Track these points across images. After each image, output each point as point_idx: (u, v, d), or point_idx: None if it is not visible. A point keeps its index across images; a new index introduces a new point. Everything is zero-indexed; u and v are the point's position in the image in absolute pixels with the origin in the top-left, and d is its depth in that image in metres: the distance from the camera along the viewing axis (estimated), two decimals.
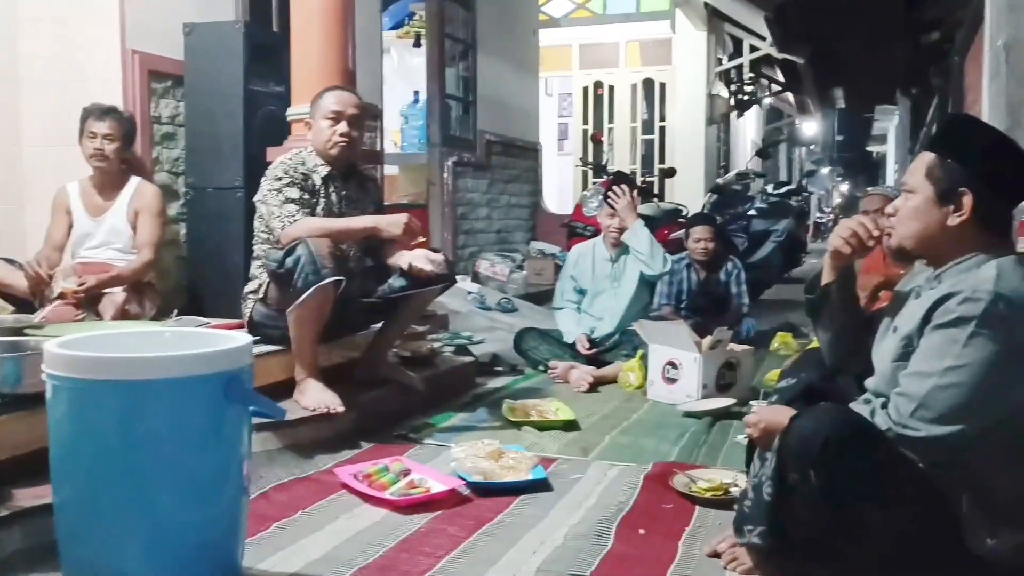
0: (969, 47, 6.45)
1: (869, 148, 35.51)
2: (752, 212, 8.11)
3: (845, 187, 54.40)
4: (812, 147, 27.99)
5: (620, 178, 6.78)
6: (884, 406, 1.76)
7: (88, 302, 3.42)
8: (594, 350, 4.43)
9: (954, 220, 1.77)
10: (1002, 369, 1.64)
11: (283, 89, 4.07)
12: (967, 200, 1.75)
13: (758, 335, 5.29)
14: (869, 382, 1.97)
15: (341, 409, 3.00)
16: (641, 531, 2.27)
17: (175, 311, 3.66)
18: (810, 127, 25.75)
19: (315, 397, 3.02)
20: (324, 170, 3.19)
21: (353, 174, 3.26)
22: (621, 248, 4.58)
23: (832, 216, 30.02)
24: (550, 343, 4.53)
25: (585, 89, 12.03)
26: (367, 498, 2.50)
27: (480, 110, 7.67)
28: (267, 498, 2.50)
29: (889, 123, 26.98)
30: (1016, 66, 3.34)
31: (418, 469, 2.67)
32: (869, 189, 4.67)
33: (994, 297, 1.64)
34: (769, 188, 9.58)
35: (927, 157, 1.82)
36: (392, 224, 3.05)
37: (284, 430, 2.84)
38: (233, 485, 1.85)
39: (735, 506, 2.05)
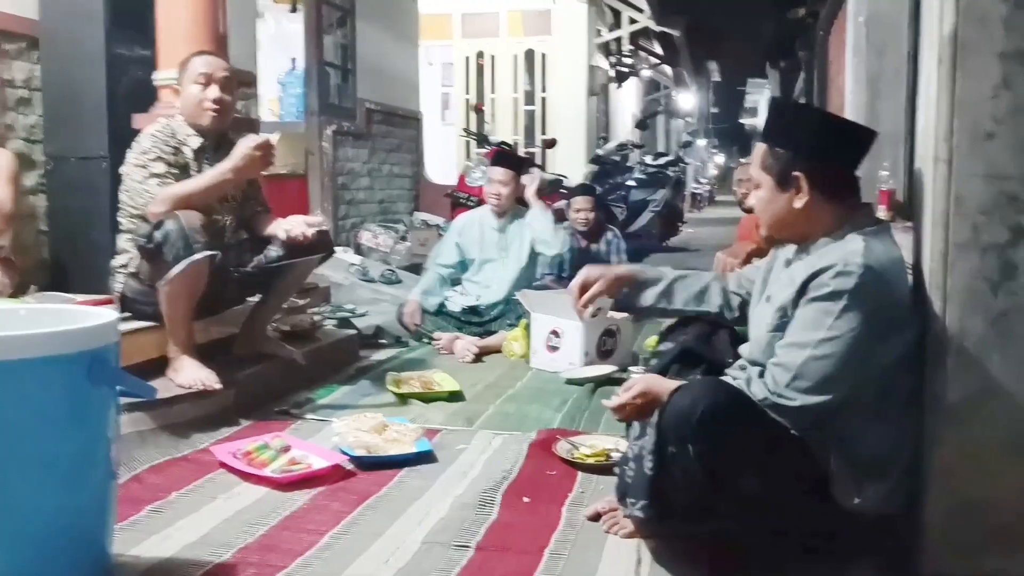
0: (832, 22, 6.70)
1: (742, 120, 36.65)
2: (631, 183, 8.27)
3: (720, 158, 56.12)
4: (688, 119, 28.68)
5: (505, 150, 6.77)
6: (761, 375, 1.81)
7: None
8: (417, 326, 4.40)
9: (799, 202, 1.83)
10: (869, 337, 1.71)
11: (150, 53, 3.85)
12: (802, 181, 1.81)
13: None
14: (744, 349, 2.02)
15: (218, 386, 2.89)
16: (525, 499, 2.28)
17: (32, 287, 3.43)
18: (686, 99, 26.42)
19: (190, 374, 2.89)
20: (196, 141, 3.03)
21: (225, 143, 3.12)
22: (508, 218, 4.58)
23: (709, 187, 30.97)
24: (434, 314, 4.49)
25: (467, 59, 11.93)
26: (246, 476, 2.42)
27: (360, 78, 7.50)
28: (139, 481, 2.39)
29: (760, 96, 27.88)
30: (875, 40, 3.48)
31: (299, 445, 2.60)
32: (742, 160, 4.80)
33: (864, 270, 1.70)
34: (647, 159, 9.78)
35: (760, 148, 1.88)
36: (245, 157, 2.88)
37: (158, 410, 2.71)
38: (99, 470, 1.75)
39: (616, 471, 2.08)
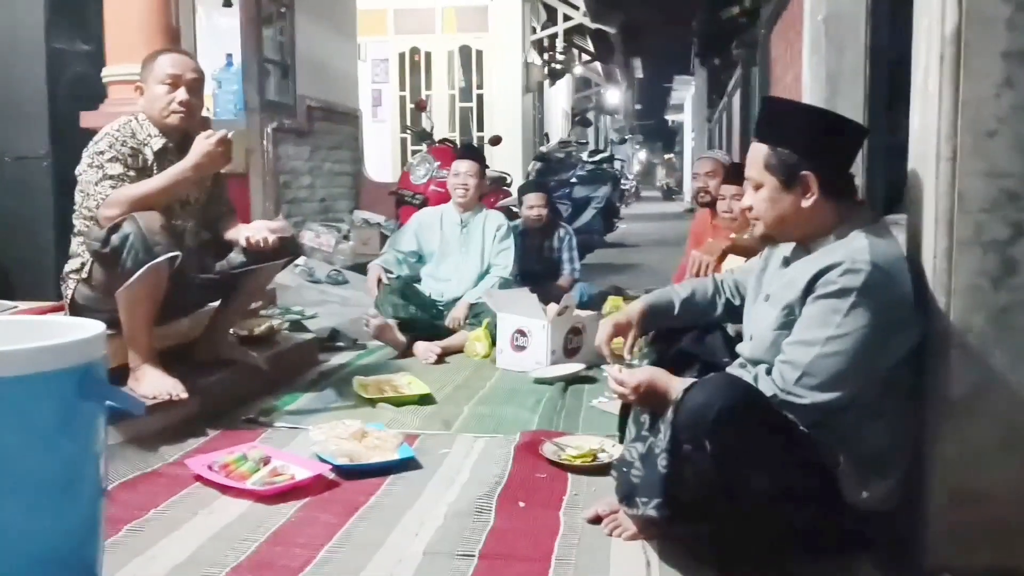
0: (775, 23, 6.81)
1: (667, 117, 37.19)
2: (574, 180, 8.28)
3: (643, 154, 56.90)
4: (616, 115, 28.96)
5: (452, 147, 6.71)
6: (768, 372, 1.81)
7: None
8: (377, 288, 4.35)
9: (807, 202, 1.83)
10: (877, 334, 1.73)
11: (92, 48, 3.69)
12: (812, 180, 1.82)
13: (590, 299, 5.40)
14: (743, 348, 2.02)
15: (184, 395, 2.78)
16: (521, 504, 2.24)
17: None
18: (614, 96, 26.66)
19: (154, 384, 2.78)
20: (158, 142, 2.89)
21: (188, 145, 3.00)
22: (471, 213, 4.55)
23: (634, 183, 31.38)
24: (418, 303, 4.36)
25: (401, 55, 11.80)
26: (226, 490, 2.33)
27: (299, 74, 7.34)
28: (112, 498, 2.26)
29: (686, 92, 28.30)
30: (835, 38, 3.53)
31: (278, 455, 2.51)
32: (707, 153, 4.83)
33: (872, 267, 1.71)
34: (584, 156, 9.83)
35: (761, 150, 1.87)
36: (205, 153, 2.77)
37: (124, 423, 2.59)
38: (89, 488, 1.64)
39: (613, 473, 2.06)
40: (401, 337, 4.10)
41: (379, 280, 4.49)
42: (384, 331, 4.08)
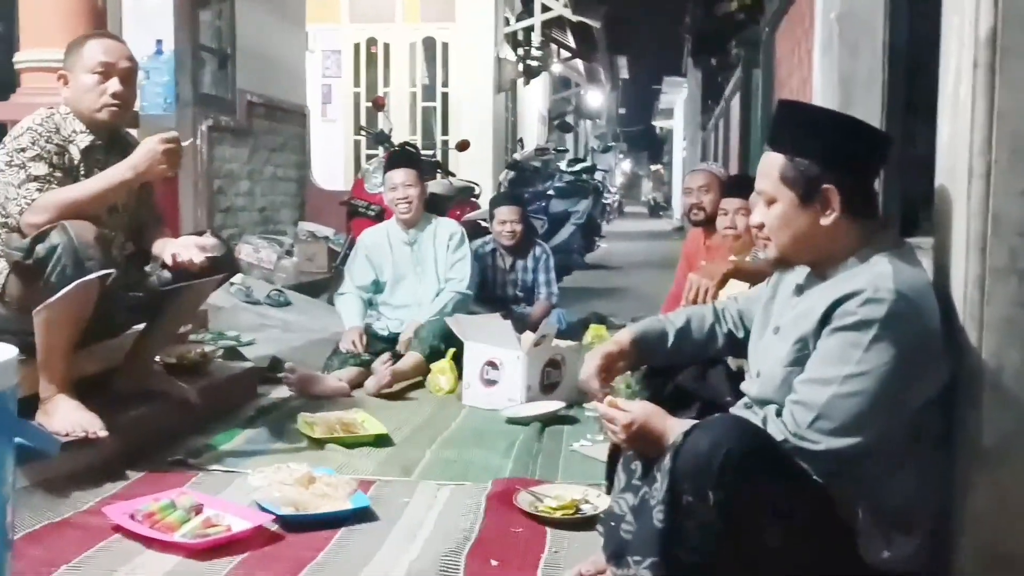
0: (780, 21, 6.91)
1: (655, 123, 37.55)
2: (551, 192, 8.33)
3: (627, 165, 57.31)
4: (598, 120, 29.20)
5: (404, 149, 6.71)
6: (778, 414, 1.81)
7: None
8: (363, 350, 4.29)
9: (827, 220, 1.85)
10: (902, 373, 1.74)
11: (2, 29, 3.66)
12: (833, 196, 1.83)
13: (569, 328, 5.41)
14: (749, 386, 2.03)
15: (103, 432, 2.74)
16: (493, 562, 2.23)
17: None
18: (595, 98, 26.92)
19: (68, 419, 2.73)
20: (85, 139, 2.86)
21: (119, 142, 2.97)
22: (418, 228, 4.55)
23: (618, 197, 31.56)
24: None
25: (356, 46, 11.82)
26: (150, 543, 2.29)
27: (240, 65, 7.33)
28: (17, 552, 2.21)
29: (677, 96, 28.59)
30: (849, 37, 3.59)
31: (212, 503, 2.48)
32: (700, 165, 4.86)
33: (896, 296, 1.73)
34: (562, 165, 9.89)
35: (776, 160, 1.88)
36: (150, 155, 2.75)
37: (30, 463, 2.53)
38: None
39: (600, 528, 2.05)
40: (338, 383, 4.00)
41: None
42: (310, 384, 3.92)
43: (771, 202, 1.90)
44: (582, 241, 8.95)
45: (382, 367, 4.05)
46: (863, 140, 1.88)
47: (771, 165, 1.89)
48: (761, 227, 1.93)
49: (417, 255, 4.56)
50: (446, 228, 4.64)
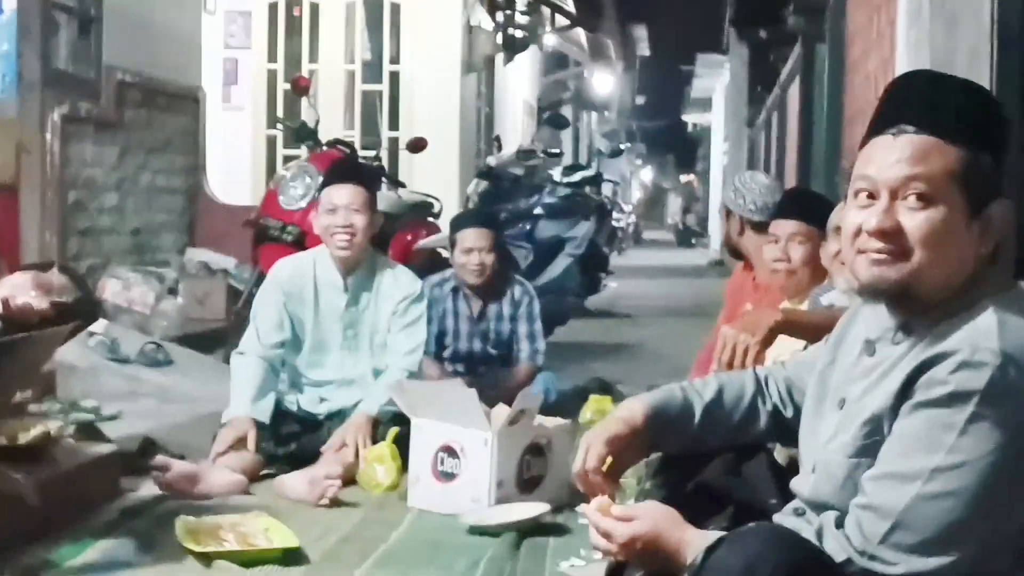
0: None
1: (686, 117, 37.93)
2: (539, 210, 8.36)
3: (648, 174, 57.74)
4: (607, 112, 29.44)
5: (343, 153, 6.73)
6: (839, 524, 1.81)
7: None
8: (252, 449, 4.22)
9: (988, 246, 1.86)
10: (1010, 466, 1.74)
11: None
12: (998, 213, 1.85)
13: (560, 399, 5.40)
14: (801, 484, 2.03)
15: None
16: None
17: None
18: (603, 82, 27.14)
19: None
20: None
21: None
22: (358, 272, 4.50)
23: (633, 219, 31.72)
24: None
25: (272, 6, 11.89)
26: None
27: (109, 31, 7.38)
28: None
29: (716, 80, 28.89)
30: (944, 5, 3.64)
31: None
32: (743, 175, 4.76)
33: (1003, 360, 1.73)
34: (555, 174, 9.93)
35: (943, 148, 1.84)
36: None
37: None
38: None
39: None
40: (231, 476, 3.97)
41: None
42: (190, 483, 3.87)
43: (926, 202, 1.84)
44: (581, 279, 8.97)
45: (323, 472, 3.96)
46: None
47: (935, 153, 1.85)
48: (893, 233, 1.85)
49: (352, 314, 4.47)
50: (397, 285, 4.50)
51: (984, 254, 1.85)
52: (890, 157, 1.86)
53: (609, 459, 2.17)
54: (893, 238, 1.85)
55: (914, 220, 1.84)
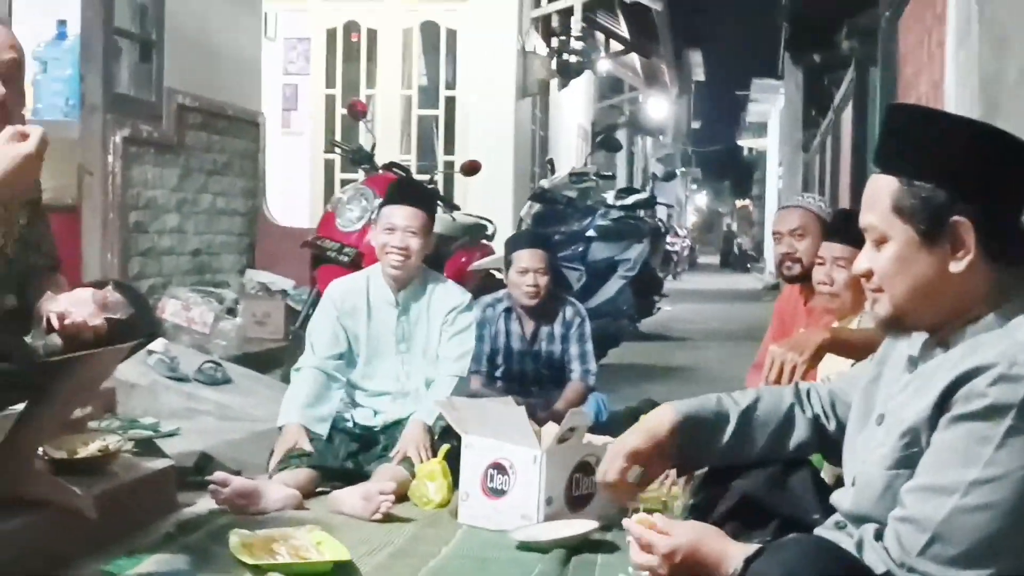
0: (904, 3, 6.99)
1: (741, 142, 37.77)
2: (592, 233, 8.36)
3: (703, 198, 57.57)
4: (661, 137, 29.39)
5: (404, 177, 6.77)
6: (878, 536, 1.82)
7: None
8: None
9: (959, 264, 1.87)
10: None
11: None
12: (967, 231, 1.86)
13: (612, 419, 5.40)
14: (842, 498, 2.04)
15: None
16: None
17: None
18: (657, 107, 27.11)
19: None
20: None
21: None
22: (412, 288, 4.55)
23: (688, 243, 31.61)
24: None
25: (330, 33, 11.99)
26: None
27: (170, 56, 7.46)
28: None
29: (771, 105, 28.78)
30: (992, 26, 3.63)
31: None
32: (793, 200, 4.84)
33: None
34: (609, 197, 9.92)
35: (885, 184, 1.92)
36: (16, 157, 2.76)
37: None
38: None
39: None
40: (286, 491, 4.01)
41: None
42: (249, 500, 3.89)
43: (881, 241, 1.92)
44: (634, 301, 8.94)
45: (377, 487, 3.98)
46: (1007, 157, 1.90)
47: (880, 191, 1.92)
48: (869, 276, 1.95)
49: (404, 327, 4.54)
50: (446, 298, 4.58)
51: (976, 265, 1.86)
52: (865, 200, 1.97)
53: (636, 469, 2.19)
54: (871, 279, 1.95)
55: (877, 261, 1.94)
